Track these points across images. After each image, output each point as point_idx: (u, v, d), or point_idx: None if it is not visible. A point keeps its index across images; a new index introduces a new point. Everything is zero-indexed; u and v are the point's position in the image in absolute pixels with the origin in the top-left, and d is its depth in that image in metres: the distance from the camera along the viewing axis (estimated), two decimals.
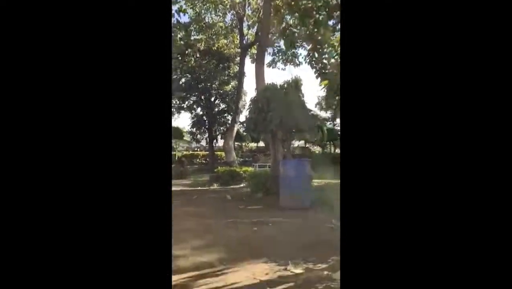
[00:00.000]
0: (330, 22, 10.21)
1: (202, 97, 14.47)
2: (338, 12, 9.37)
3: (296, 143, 17.07)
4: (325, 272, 2.48)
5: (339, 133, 17.22)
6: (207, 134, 15.44)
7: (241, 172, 9.20)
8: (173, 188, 8.49)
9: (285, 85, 6.77)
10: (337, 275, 2.40)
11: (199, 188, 8.68)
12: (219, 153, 16.24)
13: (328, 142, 17.34)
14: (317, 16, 10.19)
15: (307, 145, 18.43)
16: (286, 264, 2.65)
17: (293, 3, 9.70)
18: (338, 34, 3.65)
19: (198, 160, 17.93)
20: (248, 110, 7.28)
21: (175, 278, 2.39)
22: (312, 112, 6.94)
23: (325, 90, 4.34)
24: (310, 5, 9.78)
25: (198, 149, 21.69)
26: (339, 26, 8.37)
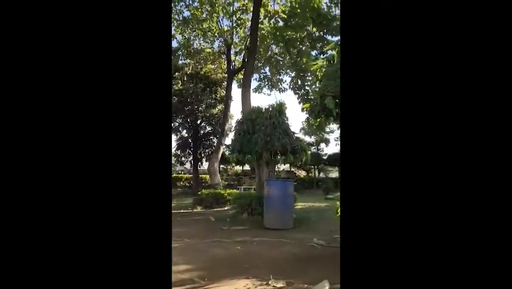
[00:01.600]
0: (313, 52, 10.86)
1: (188, 120, 14.60)
2: (320, 44, 9.98)
3: (282, 167, 17.29)
4: (305, 285, 2.52)
5: (323, 157, 17.70)
6: (191, 156, 15.38)
7: (226, 194, 9.15)
8: None
9: (270, 108, 7.03)
10: (316, 288, 2.44)
11: (182, 210, 8.51)
12: (203, 176, 16.10)
13: (312, 166, 17.66)
14: (300, 46, 10.86)
15: (292, 169, 18.68)
16: (268, 280, 2.67)
17: (278, 33, 10.35)
18: (319, 62, 3.94)
19: (181, 183, 17.63)
20: (234, 132, 7.43)
21: None
22: (296, 134, 7.16)
23: (307, 113, 4.59)
24: (294, 36, 10.47)
25: (182, 172, 21.37)
26: (321, 56, 8.96)
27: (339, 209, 3.45)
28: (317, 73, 5.50)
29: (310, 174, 18.63)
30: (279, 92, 12.52)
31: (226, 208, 8.57)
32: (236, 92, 15.43)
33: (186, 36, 12.41)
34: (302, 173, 19.29)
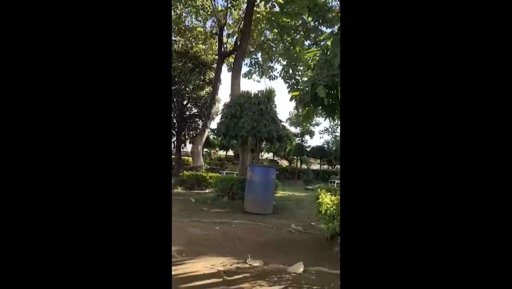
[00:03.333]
0: (306, 42, 10.77)
1: (174, 100, 14.24)
2: (315, 34, 9.90)
3: (265, 156, 17.36)
4: (281, 266, 2.58)
5: (306, 149, 17.95)
6: (175, 137, 15.12)
7: (207, 177, 9.11)
8: None
9: (259, 94, 6.97)
10: (292, 268, 2.51)
11: None
12: (185, 158, 15.93)
13: (295, 157, 17.90)
14: (295, 34, 10.74)
15: (275, 158, 18.84)
16: (245, 259, 2.72)
17: (273, 18, 10.15)
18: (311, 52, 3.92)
19: None
20: (221, 114, 7.34)
21: None
22: (283, 123, 7.17)
23: (295, 101, 4.59)
24: (289, 23, 10.31)
25: None
26: (314, 46, 8.91)
27: (320, 196, 3.53)
28: (310, 62, 5.48)
29: (292, 165, 18.87)
30: (269, 79, 12.42)
31: (207, 190, 8.56)
32: (225, 75, 15.16)
33: (178, 12, 11.94)
34: (284, 163, 19.51)
